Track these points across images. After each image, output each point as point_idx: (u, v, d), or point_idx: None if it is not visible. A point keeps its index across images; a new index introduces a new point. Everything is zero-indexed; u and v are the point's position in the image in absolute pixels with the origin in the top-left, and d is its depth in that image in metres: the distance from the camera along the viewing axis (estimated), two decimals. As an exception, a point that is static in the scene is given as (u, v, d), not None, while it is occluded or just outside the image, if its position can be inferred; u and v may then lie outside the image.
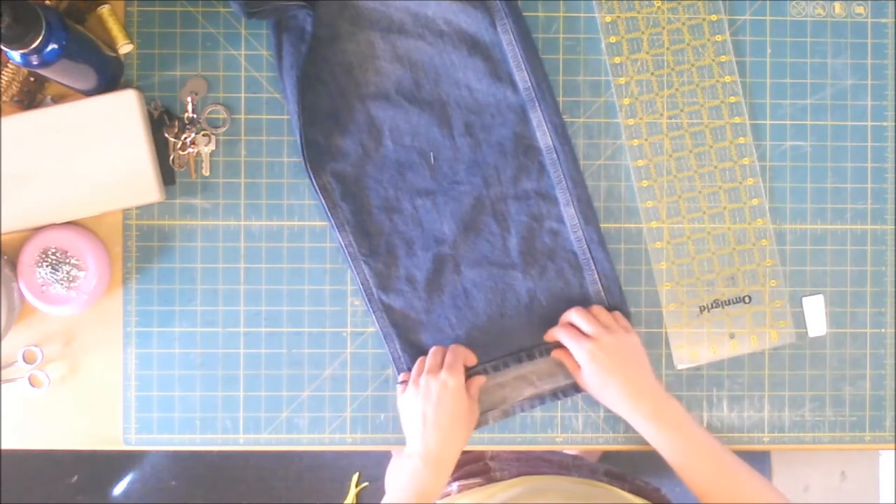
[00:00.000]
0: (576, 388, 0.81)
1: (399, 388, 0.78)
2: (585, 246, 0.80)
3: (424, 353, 0.80)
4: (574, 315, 0.77)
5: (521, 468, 0.86)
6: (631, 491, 0.83)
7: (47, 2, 0.74)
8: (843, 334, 0.83)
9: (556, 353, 0.79)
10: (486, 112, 0.80)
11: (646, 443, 0.76)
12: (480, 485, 0.83)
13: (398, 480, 0.73)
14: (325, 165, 0.79)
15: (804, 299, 0.82)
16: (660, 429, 0.72)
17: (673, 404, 0.74)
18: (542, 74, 0.80)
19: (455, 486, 0.83)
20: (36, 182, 0.76)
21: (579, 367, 0.76)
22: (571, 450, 0.89)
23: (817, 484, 1.65)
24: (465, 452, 0.87)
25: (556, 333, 0.78)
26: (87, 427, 0.81)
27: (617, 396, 0.74)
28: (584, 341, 0.75)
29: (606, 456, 1.49)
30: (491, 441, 0.82)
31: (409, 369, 0.80)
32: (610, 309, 0.80)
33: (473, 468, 0.86)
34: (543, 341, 0.80)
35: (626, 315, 0.81)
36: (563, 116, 0.81)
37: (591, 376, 0.75)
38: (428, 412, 0.73)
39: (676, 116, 0.82)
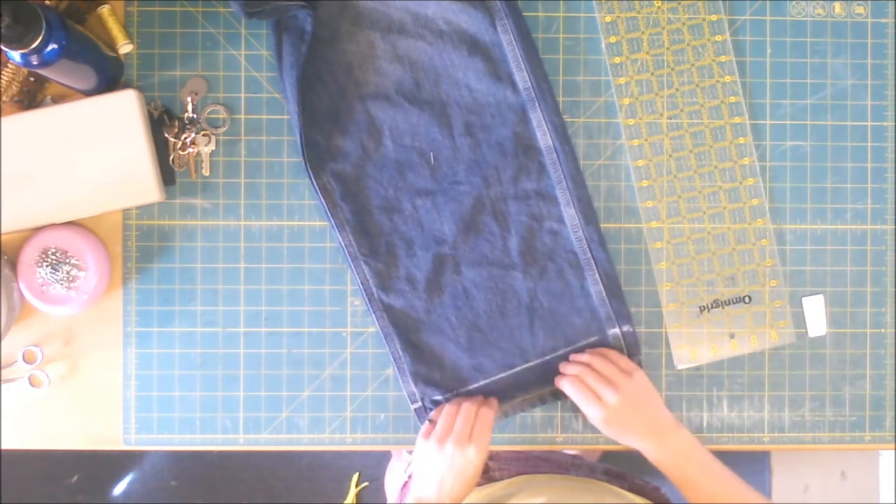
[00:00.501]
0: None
1: (424, 427, 0.77)
2: (586, 246, 0.80)
3: (425, 353, 0.80)
4: (576, 370, 0.77)
5: (520, 468, 0.86)
6: (630, 490, 0.83)
7: (47, 2, 0.74)
8: (843, 334, 0.83)
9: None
10: (486, 112, 0.80)
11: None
12: (480, 485, 0.83)
13: None
14: (325, 165, 0.79)
15: (804, 299, 0.83)
16: (669, 463, 0.75)
17: (680, 436, 0.75)
18: (542, 74, 0.80)
19: None
20: (36, 182, 0.76)
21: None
22: (571, 450, 0.88)
23: (817, 484, 1.65)
24: None
25: (566, 389, 0.78)
26: (87, 427, 0.81)
27: (638, 444, 0.76)
28: (595, 406, 0.75)
29: (606, 456, 1.49)
30: (492, 441, 0.82)
31: (410, 370, 0.80)
32: (611, 306, 0.80)
33: None
34: (555, 384, 0.80)
35: (626, 314, 0.80)
36: (563, 116, 0.81)
37: (610, 435, 0.77)
38: (447, 480, 0.72)
39: (676, 116, 0.82)
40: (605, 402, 0.75)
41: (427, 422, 0.78)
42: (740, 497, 0.72)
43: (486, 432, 0.75)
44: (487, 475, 0.85)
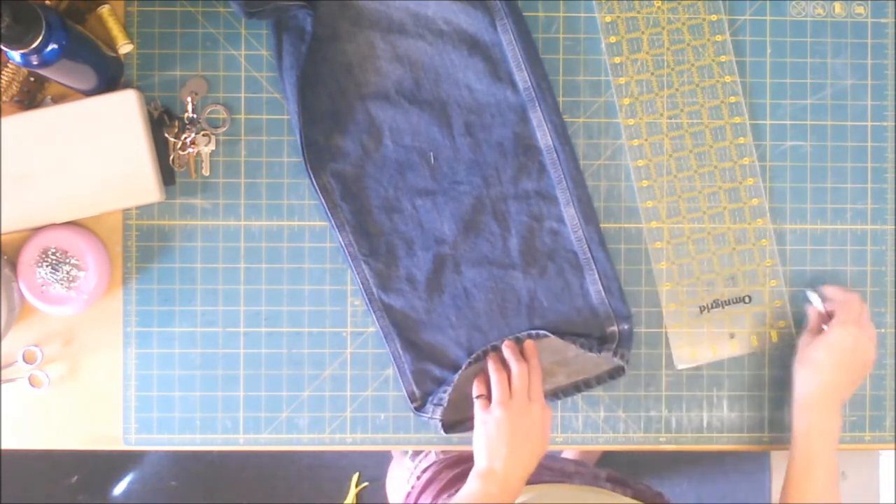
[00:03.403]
0: (576, 388, 0.81)
1: (479, 402, 0.76)
2: (586, 246, 0.80)
3: (425, 353, 0.80)
4: (495, 365, 0.78)
5: None
6: (633, 496, 0.83)
7: (47, 2, 0.74)
8: (843, 334, 0.83)
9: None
10: (486, 112, 0.80)
11: (643, 444, 0.76)
12: None
13: (468, 495, 0.72)
14: (325, 165, 0.79)
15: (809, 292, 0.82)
16: None
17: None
18: (542, 74, 0.80)
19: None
20: (36, 182, 0.76)
21: None
22: (571, 450, 0.88)
23: (817, 484, 1.65)
24: (469, 460, 0.86)
25: (489, 365, 0.78)
26: (87, 427, 0.81)
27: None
28: (482, 405, 0.76)
29: (607, 456, 1.49)
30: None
31: (410, 370, 0.80)
32: (610, 305, 0.80)
33: None
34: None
35: (626, 313, 0.80)
36: (563, 116, 0.81)
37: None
38: (515, 442, 0.72)
39: (676, 116, 0.82)
40: (490, 408, 0.75)
41: (477, 398, 0.76)
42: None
43: (541, 385, 0.76)
44: None
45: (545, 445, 0.75)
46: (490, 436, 0.73)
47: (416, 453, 0.98)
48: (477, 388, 0.77)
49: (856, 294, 0.79)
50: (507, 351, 0.78)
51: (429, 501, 0.86)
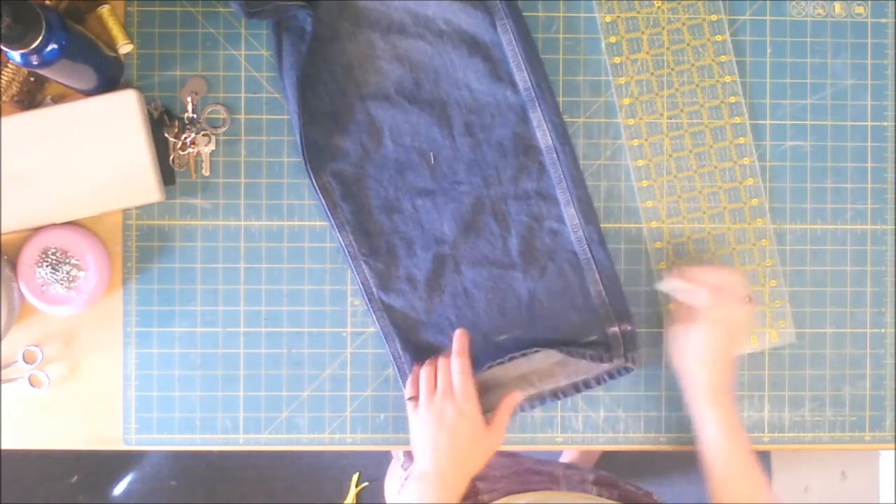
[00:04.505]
0: (575, 388, 0.81)
1: (410, 404, 0.77)
2: (586, 246, 0.80)
3: (425, 352, 0.80)
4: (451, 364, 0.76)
5: (510, 485, 0.85)
6: (620, 498, 0.83)
7: (47, 2, 0.74)
8: (843, 334, 0.83)
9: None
10: (486, 112, 0.80)
11: (643, 444, 0.75)
12: None
13: (407, 500, 0.72)
14: (325, 165, 0.79)
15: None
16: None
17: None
18: (542, 74, 0.80)
19: None
20: (36, 182, 0.76)
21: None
22: (571, 449, 0.88)
23: (817, 484, 1.65)
24: None
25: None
26: (87, 427, 0.81)
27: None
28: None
29: (607, 456, 1.49)
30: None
31: (411, 370, 0.80)
32: (611, 305, 0.80)
33: None
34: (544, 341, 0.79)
35: (627, 313, 0.80)
36: (563, 116, 0.81)
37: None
38: (440, 441, 0.72)
39: (676, 116, 0.82)
40: (417, 408, 0.75)
41: (409, 400, 0.77)
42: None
43: (466, 381, 0.74)
44: (476, 497, 0.84)
45: (483, 441, 0.73)
46: (417, 437, 0.74)
47: (409, 461, 0.98)
48: (409, 390, 0.77)
49: (701, 270, 0.76)
50: (445, 359, 0.76)
51: None
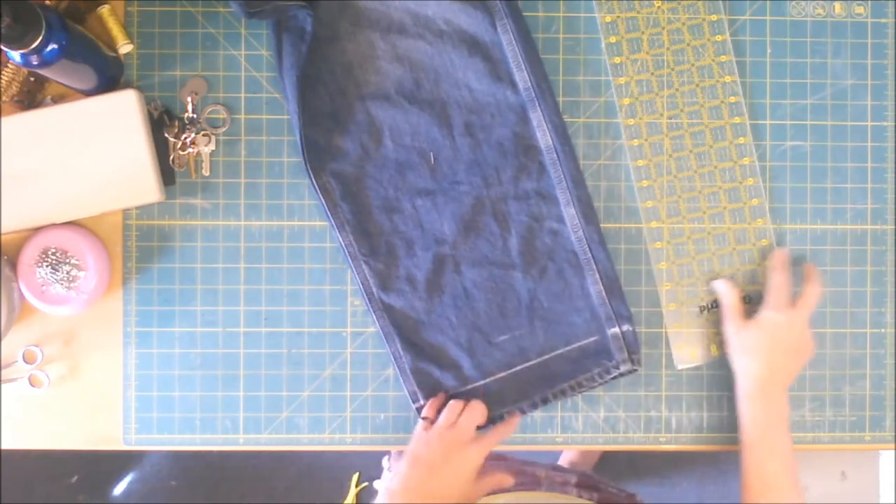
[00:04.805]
0: (573, 389, 0.81)
1: (422, 423, 0.77)
2: (586, 246, 0.80)
3: (425, 353, 0.80)
4: None
5: None
6: (600, 501, 0.83)
7: (47, 2, 0.74)
8: (843, 334, 0.83)
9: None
10: (486, 112, 0.80)
11: (643, 443, 0.75)
12: None
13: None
14: (325, 165, 0.79)
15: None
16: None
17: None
18: (542, 74, 0.80)
19: None
20: (36, 182, 0.76)
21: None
22: (571, 449, 0.88)
23: (817, 484, 1.65)
24: None
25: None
26: (87, 427, 0.81)
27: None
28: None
29: (607, 456, 1.49)
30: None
31: (411, 370, 0.80)
32: (611, 305, 0.80)
33: None
34: (557, 387, 0.80)
35: (626, 313, 0.80)
36: (563, 116, 0.81)
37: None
38: (442, 471, 0.72)
39: (676, 116, 0.82)
40: (430, 429, 0.75)
41: (422, 419, 0.77)
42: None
43: (489, 438, 0.75)
44: None
45: (467, 488, 0.73)
46: (418, 455, 0.73)
47: (396, 459, 0.97)
48: (427, 409, 0.78)
49: (783, 276, 0.78)
50: (461, 404, 0.77)
51: None
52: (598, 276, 0.80)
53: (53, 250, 0.78)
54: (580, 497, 0.83)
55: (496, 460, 0.91)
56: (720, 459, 1.60)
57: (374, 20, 0.80)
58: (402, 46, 0.80)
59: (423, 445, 0.74)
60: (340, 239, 0.80)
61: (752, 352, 0.75)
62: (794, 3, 0.83)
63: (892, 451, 1.56)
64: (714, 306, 0.82)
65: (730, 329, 0.78)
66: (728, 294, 0.78)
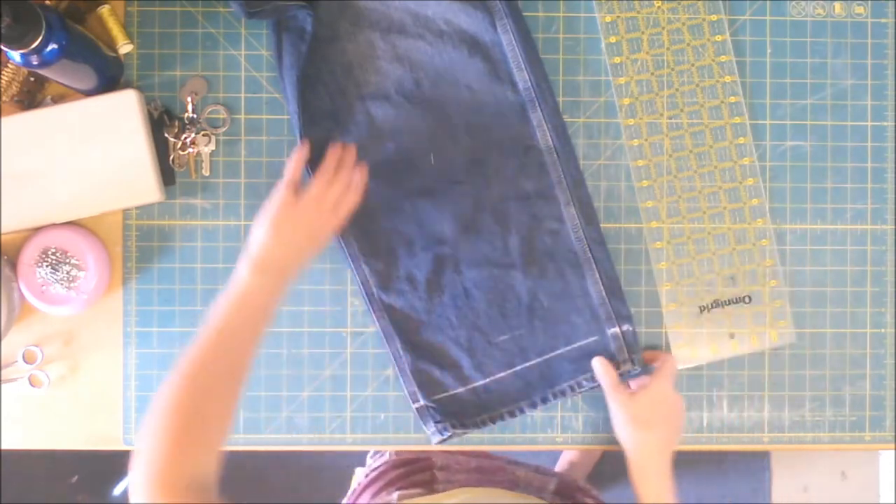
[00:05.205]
0: (573, 389, 0.81)
1: (285, 185, 0.71)
2: (586, 245, 0.80)
3: (425, 353, 0.80)
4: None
5: (467, 480, 0.84)
6: None
7: (47, 2, 0.74)
8: (843, 334, 0.83)
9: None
10: (486, 112, 0.80)
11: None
12: (421, 494, 0.81)
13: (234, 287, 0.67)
14: (325, 165, 0.79)
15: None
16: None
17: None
18: (542, 74, 0.80)
19: (395, 494, 0.80)
20: (36, 182, 0.76)
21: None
22: (571, 449, 0.88)
23: (817, 484, 1.65)
24: (416, 461, 0.86)
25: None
26: (87, 427, 0.81)
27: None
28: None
29: (607, 456, 1.49)
30: (492, 441, 0.82)
31: (411, 370, 0.80)
32: (611, 305, 0.80)
33: (419, 478, 0.84)
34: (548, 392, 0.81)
35: (626, 313, 0.80)
36: (563, 116, 0.81)
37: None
38: (298, 239, 0.70)
39: (676, 116, 0.82)
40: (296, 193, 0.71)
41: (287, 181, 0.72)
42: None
43: (346, 211, 0.73)
44: (430, 486, 0.83)
45: (314, 247, 0.72)
46: (281, 228, 0.69)
47: (376, 454, 0.97)
48: (290, 171, 0.72)
49: (662, 352, 0.81)
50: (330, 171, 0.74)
51: (366, 501, 0.85)
52: (598, 276, 0.80)
53: (53, 250, 0.78)
54: (553, 503, 0.82)
55: (478, 457, 0.90)
56: (720, 459, 1.60)
57: (374, 20, 0.80)
58: (402, 46, 0.80)
59: (287, 221, 0.70)
60: (341, 239, 0.80)
61: (645, 424, 0.75)
62: (794, 3, 0.83)
63: (892, 451, 1.56)
64: (714, 306, 0.82)
65: (618, 401, 0.77)
66: (607, 372, 0.78)
